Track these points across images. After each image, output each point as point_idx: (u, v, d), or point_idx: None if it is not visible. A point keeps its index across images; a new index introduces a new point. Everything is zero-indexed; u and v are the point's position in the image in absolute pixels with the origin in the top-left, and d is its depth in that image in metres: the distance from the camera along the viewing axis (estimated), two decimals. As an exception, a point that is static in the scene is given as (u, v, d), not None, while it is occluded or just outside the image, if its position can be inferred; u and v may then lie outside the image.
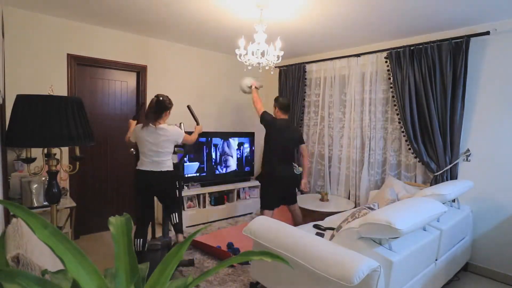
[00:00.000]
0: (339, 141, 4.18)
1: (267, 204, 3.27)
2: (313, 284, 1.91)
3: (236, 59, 2.91)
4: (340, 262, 1.71)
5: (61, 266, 0.71)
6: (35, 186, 2.78)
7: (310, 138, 4.53)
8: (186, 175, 4.05)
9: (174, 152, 2.93)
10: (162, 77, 4.06)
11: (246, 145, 4.75)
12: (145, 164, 2.74)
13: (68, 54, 3.32)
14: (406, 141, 3.42)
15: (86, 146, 2.68)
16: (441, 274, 2.42)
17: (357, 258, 1.70)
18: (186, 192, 4.00)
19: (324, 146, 4.33)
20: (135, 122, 2.94)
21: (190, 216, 3.98)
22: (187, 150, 3.32)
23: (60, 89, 3.26)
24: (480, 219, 3.01)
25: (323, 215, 3.31)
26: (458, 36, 2.97)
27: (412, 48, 3.27)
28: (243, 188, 4.69)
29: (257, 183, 4.76)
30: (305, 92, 4.52)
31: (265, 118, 3.32)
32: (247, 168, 4.79)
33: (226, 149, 4.51)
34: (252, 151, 4.81)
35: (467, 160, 3.10)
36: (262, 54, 2.70)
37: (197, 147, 4.16)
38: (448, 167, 3.10)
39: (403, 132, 3.40)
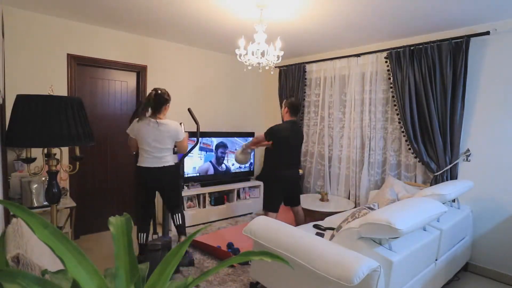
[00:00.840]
0: (339, 141, 4.18)
1: (273, 206, 3.17)
2: (313, 284, 1.91)
3: (236, 59, 2.91)
4: (340, 262, 1.70)
5: (61, 266, 0.71)
6: (35, 186, 2.78)
7: (310, 138, 4.53)
8: (186, 175, 4.05)
9: (175, 152, 2.92)
10: (162, 77, 4.06)
11: (246, 145, 4.74)
12: (146, 161, 2.73)
13: (68, 54, 3.32)
14: (406, 141, 3.42)
15: (86, 146, 2.68)
16: (441, 274, 2.42)
17: (357, 258, 1.70)
18: (186, 192, 3.99)
19: (324, 146, 4.33)
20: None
21: (190, 216, 3.98)
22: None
23: (60, 89, 3.26)
24: (480, 219, 3.01)
25: (323, 215, 3.31)
26: (458, 36, 2.97)
27: (412, 48, 3.27)
28: (243, 188, 4.68)
29: (257, 183, 4.76)
30: (305, 92, 4.52)
31: (267, 134, 3.19)
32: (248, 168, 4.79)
33: (226, 149, 4.51)
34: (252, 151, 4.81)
35: (467, 160, 3.10)
36: (262, 54, 2.70)
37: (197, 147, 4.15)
38: (448, 167, 3.10)
39: (403, 132, 3.41)
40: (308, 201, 3.79)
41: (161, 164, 2.75)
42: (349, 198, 4.05)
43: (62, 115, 1.63)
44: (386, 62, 3.53)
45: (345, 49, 4.10)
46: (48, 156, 1.84)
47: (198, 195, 4.18)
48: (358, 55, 3.85)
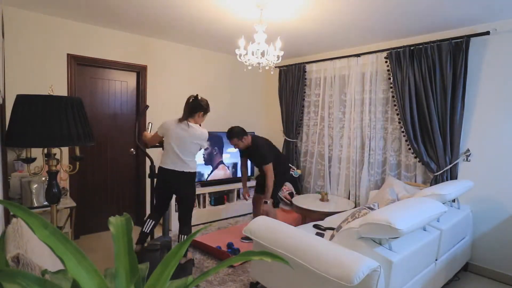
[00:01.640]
0: (339, 141, 4.19)
1: (277, 202, 3.31)
2: (313, 284, 1.91)
3: (236, 59, 2.91)
4: (340, 262, 1.71)
5: (61, 266, 0.71)
6: (35, 186, 2.78)
7: (310, 138, 4.53)
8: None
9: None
10: (162, 77, 4.06)
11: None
12: (168, 163, 2.74)
13: (68, 54, 3.32)
14: (406, 141, 3.42)
15: (86, 146, 2.68)
16: (441, 274, 2.42)
17: (357, 258, 1.70)
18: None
19: (324, 146, 4.33)
20: (150, 123, 3.04)
21: (190, 216, 3.98)
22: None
23: (60, 89, 3.26)
24: (480, 219, 3.01)
25: (323, 215, 3.31)
26: (458, 36, 2.97)
27: (412, 48, 3.27)
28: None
29: (257, 183, 4.76)
30: (305, 92, 4.52)
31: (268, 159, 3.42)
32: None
33: (226, 149, 4.50)
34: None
35: (467, 160, 3.10)
36: (262, 54, 2.70)
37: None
38: (448, 167, 3.10)
39: (403, 132, 3.41)
40: (308, 201, 3.78)
41: (182, 168, 2.73)
42: (349, 198, 4.05)
43: (62, 115, 1.63)
44: (386, 62, 3.53)
45: (345, 49, 4.10)
46: (48, 156, 1.84)
47: (198, 195, 4.17)
48: (358, 55, 3.85)
